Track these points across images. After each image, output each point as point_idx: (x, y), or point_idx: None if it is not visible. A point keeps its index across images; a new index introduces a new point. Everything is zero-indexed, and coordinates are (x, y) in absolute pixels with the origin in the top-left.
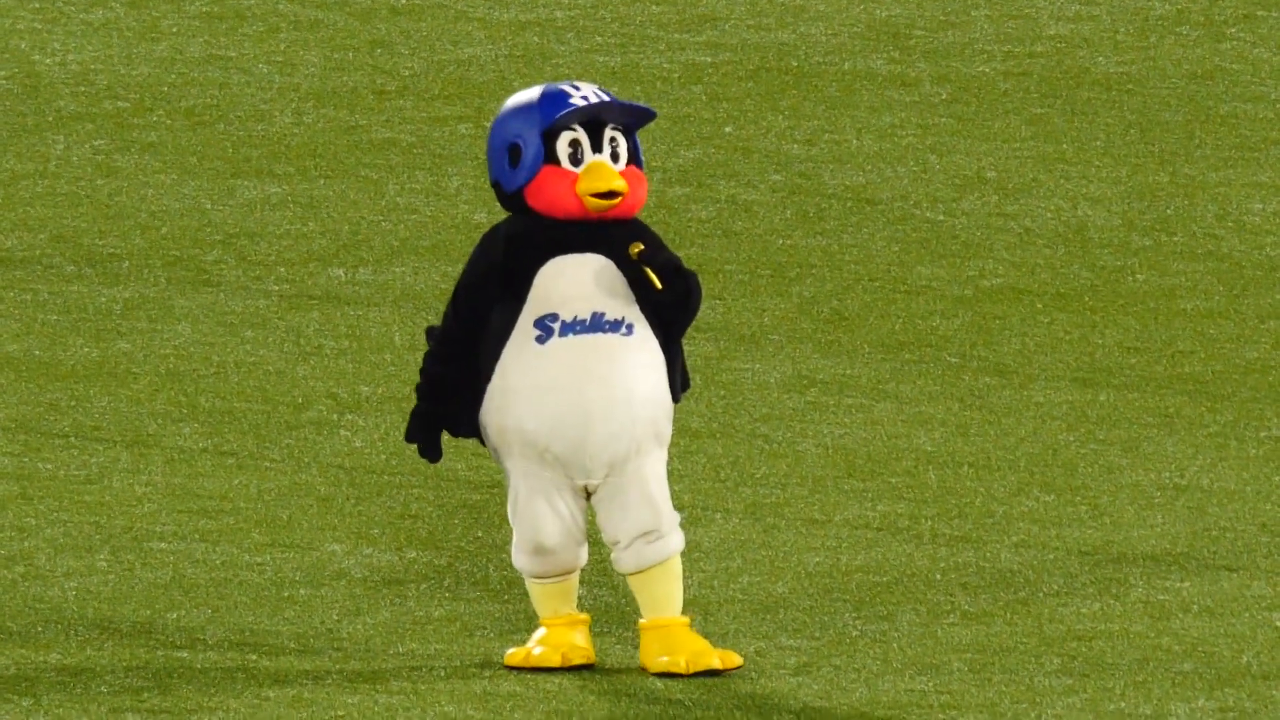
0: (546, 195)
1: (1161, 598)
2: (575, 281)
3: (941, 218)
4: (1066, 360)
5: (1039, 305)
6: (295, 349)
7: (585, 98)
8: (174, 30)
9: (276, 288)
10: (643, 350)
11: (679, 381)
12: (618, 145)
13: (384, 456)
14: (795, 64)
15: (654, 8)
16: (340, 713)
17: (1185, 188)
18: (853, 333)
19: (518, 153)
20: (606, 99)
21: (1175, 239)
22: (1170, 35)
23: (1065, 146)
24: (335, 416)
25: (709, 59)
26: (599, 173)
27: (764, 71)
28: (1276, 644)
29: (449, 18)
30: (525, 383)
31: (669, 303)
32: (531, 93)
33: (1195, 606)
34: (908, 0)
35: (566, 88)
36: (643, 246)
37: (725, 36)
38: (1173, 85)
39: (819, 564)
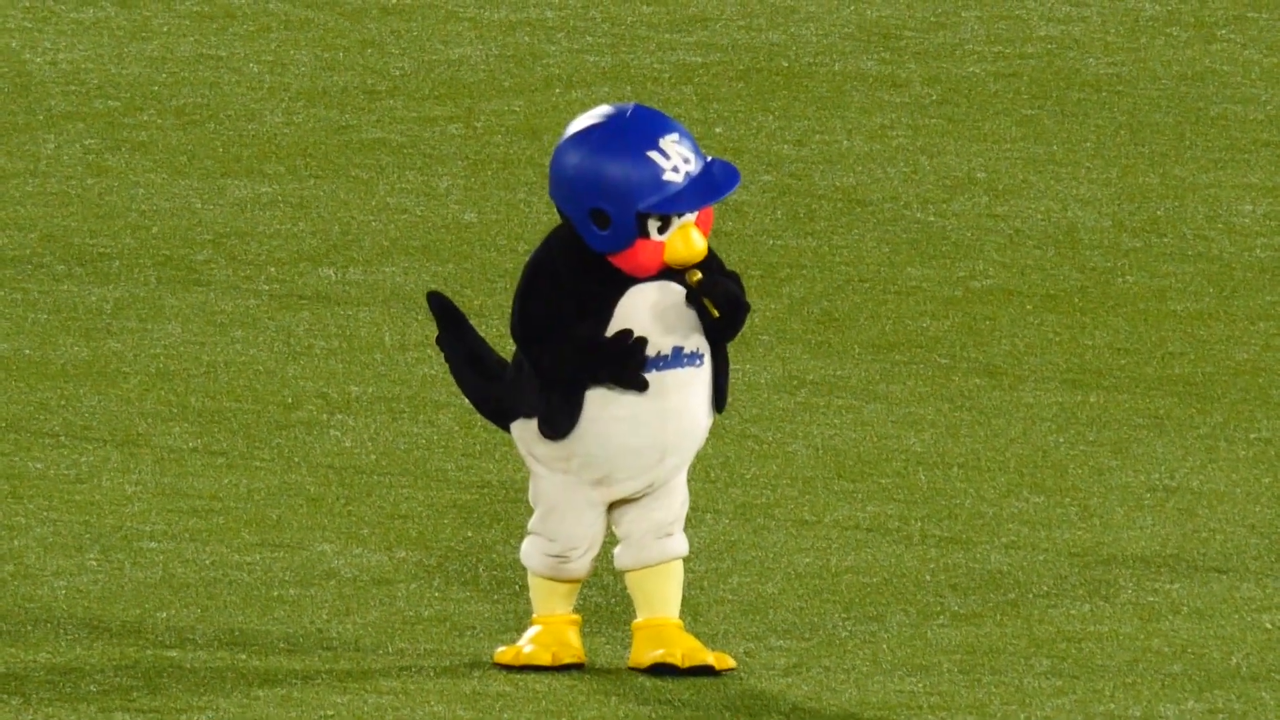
0: (635, 263)
1: (1151, 599)
2: (657, 313)
3: (932, 219)
4: (1056, 361)
5: (1029, 306)
6: (285, 349)
7: (676, 169)
8: (164, 29)
9: (267, 287)
10: (706, 377)
11: (724, 393)
12: None
13: (374, 456)
14: (786, 64)
15: (645, 8)
16: (330, 712)
17: (1175, 189)
18: (843, 333)
19: (605, 221)
20: (694, 166)
21: (1165, 240)
22: (1160, 36)
23: (1055, 148)
24: (325, 416)
25: (699, 59)
26: (685, 240)
27: (754, 72)
28: (1266, 646)
29: (439, 18)
30: (604, 414)
31: (722, 328)
32: (619, 147)
33: (1185, 608)
34: (898, 1)
35: (657, 156)
36: (701, 276)
37: (716, 37)
38: (1163, 87)
39: (809, 565)
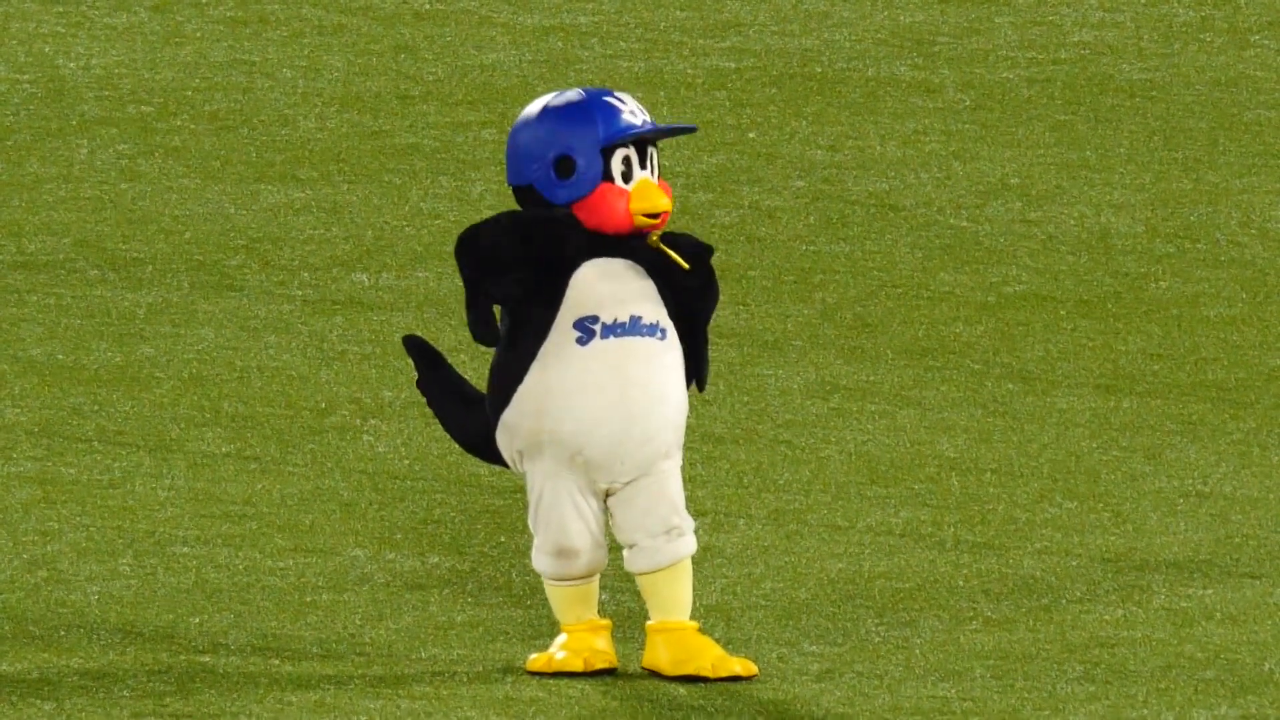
0: (601, 212)
1: (1184, 605)
2: (613, 284)
3: (965, 224)
4: (1089, 367)
5: (1062, 312)
6: (318, 354)
7: (634, 112)
8: (198, 35)
9: (300, 293)
10: (674, 354)
11: (705, 371)
12: (654, 159)
13: (407, 461)
14: (819, 70)
15: (678, 13)
16: (362, 718)
17: (1209, 194)
18: (876, 339)
19: (570, 166)
20: (648, 118)
21: (1199, 246)
22: (1194, 42)
23: (1089, 153)
24: (358, 421)
25: (733, 65)
26: (649, 192)
27: (788, 78)
28: None
29: (473, 23)
30: (566, 384)
31: (695, 287)
32: (577, 100)
33: (1218, 614)
34: (932, 7)
35: (614, 101)
36: (660, 232)
37: (749, 42)
38: (1196, 92)
39: (841, 570)
